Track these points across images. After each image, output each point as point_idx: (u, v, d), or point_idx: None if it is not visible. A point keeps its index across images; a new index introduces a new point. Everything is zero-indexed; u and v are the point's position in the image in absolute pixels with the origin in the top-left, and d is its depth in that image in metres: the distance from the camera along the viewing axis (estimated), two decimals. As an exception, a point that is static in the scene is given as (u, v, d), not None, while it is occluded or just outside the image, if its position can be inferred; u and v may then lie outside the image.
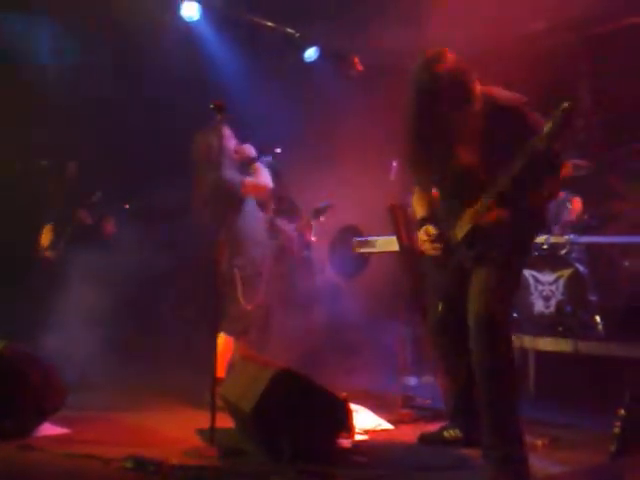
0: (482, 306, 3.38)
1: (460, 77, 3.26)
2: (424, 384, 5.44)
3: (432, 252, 3.64)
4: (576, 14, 6.55)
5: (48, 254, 6.08)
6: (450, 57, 3.31)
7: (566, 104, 3.07)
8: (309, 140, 6.97)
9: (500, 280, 3.45)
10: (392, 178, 5.45)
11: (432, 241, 3.62)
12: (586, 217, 5.64)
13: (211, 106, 4.09)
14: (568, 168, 3.53)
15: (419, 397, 4.94)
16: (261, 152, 5.32)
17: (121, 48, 6.66)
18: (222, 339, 4.86)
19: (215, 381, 3.92)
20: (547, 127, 3.10)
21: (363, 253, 5.69)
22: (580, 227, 5.55)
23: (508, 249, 3.46)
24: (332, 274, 6.87)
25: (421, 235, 3.69)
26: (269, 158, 5.42)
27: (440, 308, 3.57)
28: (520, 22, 6.61)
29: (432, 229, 3.64)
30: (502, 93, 3.42)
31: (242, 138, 5.29)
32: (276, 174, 5.47)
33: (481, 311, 3.37)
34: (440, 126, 3.33)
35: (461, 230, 3.51)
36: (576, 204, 5.65)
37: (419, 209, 3.83)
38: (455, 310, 3.60)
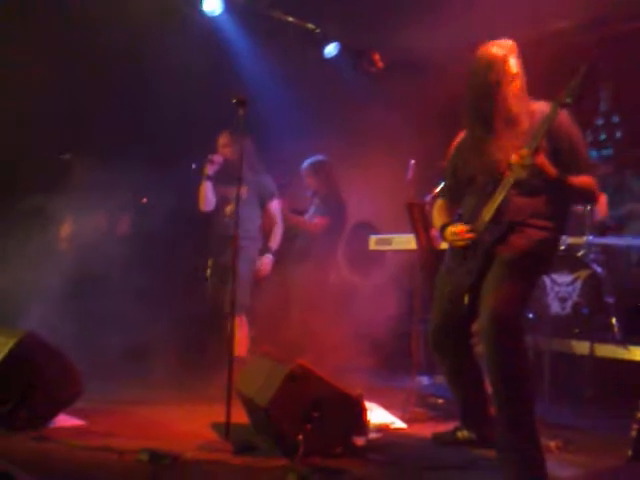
0: (496, 303, 3.36)
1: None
2: (438, 383, 5.42)
3: (461, 243, 3.61)
4: (597, 14, 6.52)
5: (64, 246, 6.10)
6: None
7: (584, 66, 3.35)
8: (326, 136, 6.96)
9: (518, 279, 3.44)
10: (409, 177, 5.44)
11: (462, 233, 3.60)
12: (607, 217, 5.61)
13: (233, 101, 4.10)
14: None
15: (433, 396, 4.94)
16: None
17: (141, 42, 6.65)
18: None
19: (231, 374, 3.91)
20: (569, 85, 3.36)
21: (379, 250, 5.68)
22: (599, 228, 5.52)
23: (530, 250, 3.45)
24: (346, 271, 6.85)
25: (451, 229, 3.67)
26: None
27: (466, 301, 3.56)
28: (541, 21, 6.59)
29: (461, 225, 3.65)
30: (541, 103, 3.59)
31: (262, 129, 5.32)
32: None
33: (495, 308, 3.35)
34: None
35: (488, 212, 3.49)
36: (601, 204, 5.62)
37: (439, 219, 3.86)
38: (469, 305, 3.58)
